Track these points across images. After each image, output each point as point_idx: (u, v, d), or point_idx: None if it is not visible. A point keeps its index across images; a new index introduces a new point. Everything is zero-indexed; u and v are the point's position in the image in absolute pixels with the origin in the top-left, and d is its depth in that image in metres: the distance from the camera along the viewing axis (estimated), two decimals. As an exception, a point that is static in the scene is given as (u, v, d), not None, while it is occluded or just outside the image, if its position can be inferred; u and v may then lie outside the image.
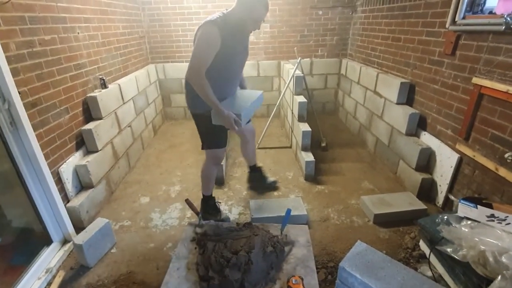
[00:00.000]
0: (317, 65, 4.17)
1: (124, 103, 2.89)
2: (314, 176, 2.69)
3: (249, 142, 2.37)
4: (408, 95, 2.65)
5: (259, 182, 2.58)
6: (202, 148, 1.95)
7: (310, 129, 2.69)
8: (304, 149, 2.75)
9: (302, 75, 3.01)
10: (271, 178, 2.60)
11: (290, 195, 2.45)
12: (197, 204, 2.32)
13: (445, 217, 1.65)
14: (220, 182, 2.63)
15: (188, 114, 4.39)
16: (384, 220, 2.11)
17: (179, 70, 4.10)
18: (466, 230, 1.47)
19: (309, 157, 2.64)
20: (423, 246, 1.84)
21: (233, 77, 1.86)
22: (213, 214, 2.12)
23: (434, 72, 2.32)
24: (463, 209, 1.61)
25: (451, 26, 2.05)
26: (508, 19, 1.54)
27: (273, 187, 2.55)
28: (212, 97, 1.59)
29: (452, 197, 2.15)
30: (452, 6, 2.02)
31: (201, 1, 3.74)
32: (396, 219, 2.11)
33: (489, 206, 1.60)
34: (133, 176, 2.83)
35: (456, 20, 2.01)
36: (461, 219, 1.60)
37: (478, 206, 1.52)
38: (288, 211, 1.55)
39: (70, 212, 2.04)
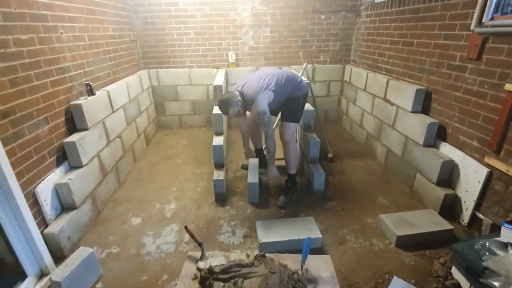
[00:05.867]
0: (320, 72, 3.99)
1: (113, 112, 2.62)
2: (324, 190, 2.45)
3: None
4: (423, 103, 2.47)
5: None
6: (294, 121, 2.28)
7: (318, 140, 2.47)
8: (312, 161, 2.52)
9: (308, 81, 2.80)
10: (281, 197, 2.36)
11: (300, 214, 2.21)
12: (198, 223, 2.05)
13: (486, 243, 1.43)
14: (221, 199, 2.37)
15: (183, 122, 4.13)
16: (408, 243, 1.88)
17: (173, 76, 3.86)
18: (518, 261, 1.26)
19: (318, 170, 2.41)
20: (457, 275, 1.61)
21: None
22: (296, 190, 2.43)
23: (455, 78, 2.14)
24: (507, 234, 1.40)
25: (476, 28, 1.88)
26: (555, 17, 1.35)
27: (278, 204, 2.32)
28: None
29: (480, 216, 1.94)
30: (478, 7, 1.85)
31: (198, 3, 3.53)
32: (420, 241, 1.89)
33: (537, 230, 1.40)
34: (123, 193, 2.54)
35: (483, 21, 1.83)
36: (505, 245, 1.39)
37: (531, 232, 1.31)
38: (308, 240, 1.31)
39: (48, 239, 1.75)
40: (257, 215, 2.20)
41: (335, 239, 1.95)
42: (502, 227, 1.42)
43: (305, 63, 2.95)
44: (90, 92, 2.30)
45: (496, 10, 1.81)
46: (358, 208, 2.29)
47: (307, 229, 1.88)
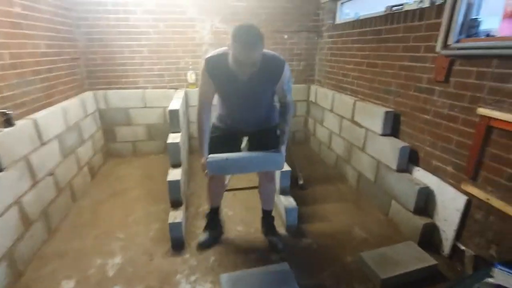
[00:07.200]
0: (285, 92, 3.85)
1: (42, 145, 2.15)
2: (298, 225, 2.20)
3: (261, 185, 1.98)
4: (392, 126, 2.39)
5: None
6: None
7: (289, 169, 2.24)
8: (283, 192, 2.28)
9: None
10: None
11: (272, 257, 1.92)
12: (149, 282, 1.64)
13: (484, 290, 1.26)
14: (179, 245, 2.00)
15: (137, 150, 3.67)
16: (393, 284, 1.68)
17: (125, 98, 3.44)
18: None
19: (290, 203, 2.16)
20: (451, 324, 1.43)
21: (235, 105, 1.72)
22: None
23: (424, 101, 2.07)
24: (503, 277, 1.25)
25: (443, 51, 1.82)
26: (528, 41, 1.29)
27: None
28: (200, 134, 1.68)
29: (461, 246, 1.82)
30: (443, 28, 1.80)
31: (151, 19, 3.22)
32: (405, 281, 1.70)
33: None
34: (55, 245, 2.05)
35: (449, 43, 1.78)
36: (502, 290, 1.23)
37: (532, 279, 1.16)
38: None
39: None
40: (222, 264, 1.86)
41: (314, 288, 1.68)
42: (496, 269, 1.27)
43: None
44: (8, 122, 1.84)
45: (460, 33, 1.77)
46: (335, 243, 2.06)
47: (282, 281, 1.59)
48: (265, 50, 1.48)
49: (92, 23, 3.15)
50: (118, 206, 2.52)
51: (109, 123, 3.50)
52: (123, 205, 2.54)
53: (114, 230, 2.19)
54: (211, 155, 1.63)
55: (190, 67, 3.50)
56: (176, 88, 3.54)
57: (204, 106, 1.64)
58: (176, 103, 2.65)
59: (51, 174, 2.22)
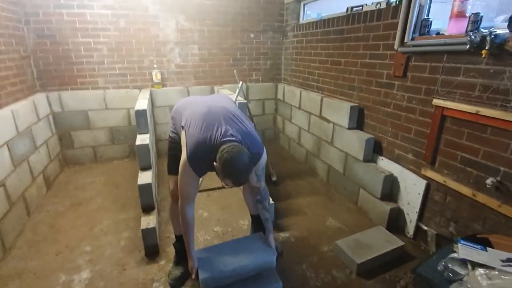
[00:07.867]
0: (253, 90, 3.88)
1: (-12, 153, 1.91)
2: (274, 220, 2.23)
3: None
4: (357, 119, 2.53)
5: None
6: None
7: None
8: (258, 189, 2.28)
9: (245, 101, 2.60)
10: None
11: (252, 254, 1.91)
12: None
13: (448, 264, 1.38)
14: (153, 252, 1.90)
15: (99, 155, 3.43)
16: (367, 268, 1.77)
17: (82, 99, 3.19)
18: (484, 283, 1.21)
19: (266, 199, 2.18)
20: (421, 298, 1.54)
21: None
22: None
23: (384, 95, 2.23)
24: (466, 251, 1.38)
25: (400, 48, 1.97)
26: (473, 37, 1.45)
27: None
28: (186, 234, 1.49)
29: (424, 227, 1.99)
30: (400, 28, 1.95)
31: (110, 15, 3.03)
32: (378, 264, 1.80)
33: (486, 241, 1.43)
34: (10, 265, 1.82)
35: (405, 41, 1.94)
36: (464, 262, 1.36)
37: (488, 248, 1.30)
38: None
39: None
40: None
41: (296, 280, 1.71)
42: (459, 245, 1.40)
43: (241, 82, 2.76)
44: None
45: (414, 32, 1.93)
46: (311, 235, 2.12)
47: (265, 277, 1.59)
48: (250, 137, 1.43)
49: (43, 19, 2.87)
50: (80, 217, 2.32)
51: (65, 128, 3.21)
52: (86, 216, 2.34)
53: (78, 243, 2.02)
54: (200, 257, 1.52)
55: (155, 66, 3.35)
56: (140, 88, 3.38)
57: (190, 202, 1.43)
58: (142, 103, 2.52)
59: (1, 185, 1.98)
